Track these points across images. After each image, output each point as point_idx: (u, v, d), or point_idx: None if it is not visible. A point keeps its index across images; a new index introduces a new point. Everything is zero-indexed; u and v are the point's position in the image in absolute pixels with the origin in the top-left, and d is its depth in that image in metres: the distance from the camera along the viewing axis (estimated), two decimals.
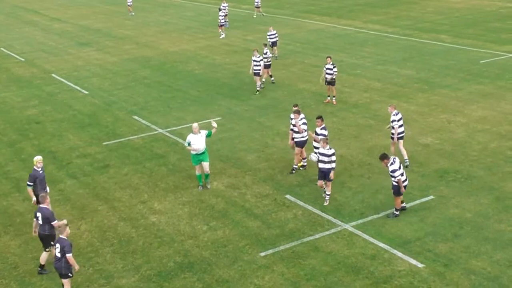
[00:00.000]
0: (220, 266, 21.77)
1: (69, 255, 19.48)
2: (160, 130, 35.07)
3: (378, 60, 49.01)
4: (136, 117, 37.57)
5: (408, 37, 56.99)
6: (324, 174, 25.47)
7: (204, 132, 27.01)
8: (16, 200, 27.58)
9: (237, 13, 74.86)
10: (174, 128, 35.26)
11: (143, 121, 36.74)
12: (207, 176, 27.51)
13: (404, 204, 24.91)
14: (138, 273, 21.62)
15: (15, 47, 61.15)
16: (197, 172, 27.51)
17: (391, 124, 28.67)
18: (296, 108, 28.55)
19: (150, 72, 48.57)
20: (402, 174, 24.00)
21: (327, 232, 23.55)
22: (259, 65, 40.47)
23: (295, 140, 28.24)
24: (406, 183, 24.30)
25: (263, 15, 71.84)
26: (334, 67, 37.47)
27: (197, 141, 26.71)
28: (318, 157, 25.59)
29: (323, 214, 24.84)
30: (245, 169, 29.24)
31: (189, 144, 26.82)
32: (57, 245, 19.66)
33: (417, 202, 25.46)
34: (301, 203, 25.85)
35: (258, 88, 41.09)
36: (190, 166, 29.86)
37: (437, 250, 22.03)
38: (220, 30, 62.29)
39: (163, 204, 26.49)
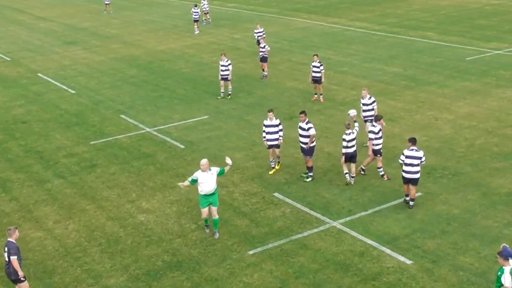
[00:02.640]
0: (209, 264, 21.76)
1: (13, 258, 18.94)
2: (148, 129, 35.02)
3: (365, 57, 49.09)
4: (123, 116, 37.50)
5: (395, 35, 57.11)
6: (350, 157, 26.84)
7: (215, 170, 23.06)
8: (2, 200, 27.45)
9: (224, 12, 74.80)
10: (161, 127, 35.22)
11: (131, 120, 36.67)
12: (215, 223, 23.56)
13: (407, 198, 25.19)
14: (126, 272, 21.58)
15: (1, 47, 60.90)
16: (204, 216, 23.42)
17: (370, 106, 30.56)
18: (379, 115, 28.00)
19: (137, 71, 48.49)
20: (405, 164, 24.48)
21: (315, 230, 23.58)
22: (227, 70, 39.58)
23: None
24: (404, 174, 24.56)
25: (204, 22, 69.38)
26: (321, 65, 37.53)
27: (207, 180, 22.73)
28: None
29: (312, 212, 24.87)
30: (233, 168, 29.18)
31: (192, 181, 22.89)
32: (6, 248, 19.19)
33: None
34: (289, 201, 25.87)
35: (221, 95, 40.44)
36: (178, 165, 29.88)
37: (425, 247, 22.10)
38: (196, 26, 63.04)
39: (151, 203, 26.45)
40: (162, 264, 21.95)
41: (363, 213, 24.62)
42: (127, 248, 23.08)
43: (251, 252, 22.36)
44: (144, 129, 35.07)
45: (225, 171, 23.52)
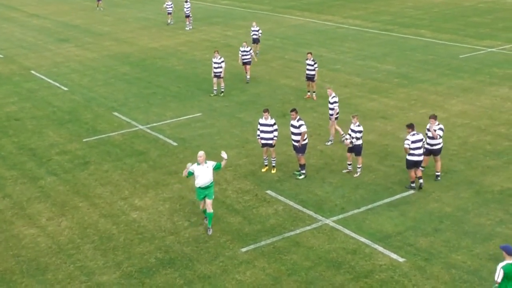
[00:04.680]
0: (202, 262, 21.77)
1: None
2: (141, 127, 34.99)
3: (358, 55, 49.13)
4: (116, 114, 37.46)
5: (388, 32, 57.15)
6: (352, 148, 27.56)
7: (211, 164, 23.23)
8: None
9: (217, 9, 74.75)
10: (154, 124, 35.19)
11: (123, 118, 36.63)
12: (209, 217, 23.59)
13: (421, 181, 26.13)
14: (119, 269, 21.57)
15: None
16: (202, 207, 23.93)
17: (332, 105, 31.17)
18: (433, 114, 27.19)
19: (130, 69, 48.42)
20: (413, 148, 25.38)
21: (308, 227, 23.60)
22: (220, 67, 39.39)
23: (433, 148, 26.35)
24: (414, 158, 25.53)
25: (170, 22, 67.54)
26: (314, 63, 37.56)
27: (202, 173, 22.96)
28: (351, 137, 27.24)
29: (304, 210, 24.89)
30: (226, 165, 29.16)
31: (189, 174, 23.20)
32: None
33: (398, 196, 25.58)
34: (282, 199, 25.88)
35: (214, 92, 40.35)
36: (171, 163, 29.88)
37: (417, 245, 22.14)
38: (188, 22, 63.38)
39: (144, 200, 26.44)
40: (155, 261, 21.95)
41: (355, 211, 24.65)
42: (120, 245, 23.07)
43: (243, 250, 22.37)
44: (137, 127, 35.04)
45: (222, 166, 23.67)
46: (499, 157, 29.05)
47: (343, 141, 27.98)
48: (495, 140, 31.00)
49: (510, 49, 48.93)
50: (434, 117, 26.43)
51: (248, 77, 42.85)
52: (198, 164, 23.08)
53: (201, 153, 23.11)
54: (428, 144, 26.21)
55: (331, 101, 31.13)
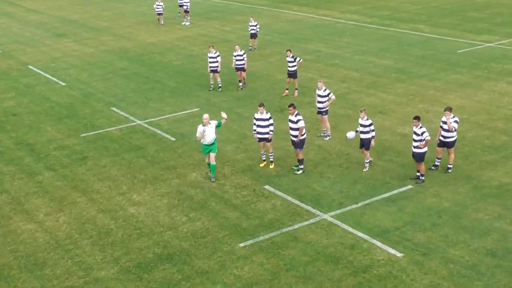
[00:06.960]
0: (200, 257, 21.77)
1: None
2: (139, 122, 34.97)
3: (356, 50, 49.08)
4: (114, 109, 37.42)
5: (386, 27, 57.09)
6: (363, 143, 27.45)
7: (214, 123, 27.01)
8: None
9: (215, 4, 74.66)
10: (152, 120, 35.17)
11: (121, 113, 36.61)
12: (213, 168, 27.27)
13: (418, 174, 26.63)
14: (117, 264, 21.57)
15: None
16: (207, 160, 27.56)
17: (326, 98, 30.91)
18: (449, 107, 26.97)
19: (128, 64, 48.37)
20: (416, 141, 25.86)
21: (306, 222, 23.60)
22: (216, 62, 39.07)
23: (447, 140, 26.62)
24: (414, 150, 26.03)
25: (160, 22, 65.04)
26: (294, 59, 37.34)
27: (208, 132, 26.74)
28: (357, 131, 27.42)
29: (302, 204, 24.89)
30: (224, 160, 29.22)
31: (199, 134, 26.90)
32: None
33: (396, 191, 25.59)
34: (280, 194, 25.88)
35: (212, 86, 40.25)
36: (169, 158, 29.90)
37: (415, 239, 22.15)
38: (187, 16, 63.39)
39: (142, 195, 26.43)
40: (153, 257, 21.96)
41: (353, 206, 24.66)
42: (118, 240, 23.08)
43: (241, 245, 22.38)
44: (135, 122, 35.02)
45: (222, 123, 27.63)
46: (497, 152, 29.06)
47: (348, 136, 28.01)
48: (493, 135, 31.01)
49: (508, 44, 48.92)
50: (449, 109, 26.57)
51: (241, 84, 40.35)
52: (204, 125, 26.66)
53: (206, 116, 26.86)
54: (442, 136, 26.52)
55: (324, 94, 30.82)
